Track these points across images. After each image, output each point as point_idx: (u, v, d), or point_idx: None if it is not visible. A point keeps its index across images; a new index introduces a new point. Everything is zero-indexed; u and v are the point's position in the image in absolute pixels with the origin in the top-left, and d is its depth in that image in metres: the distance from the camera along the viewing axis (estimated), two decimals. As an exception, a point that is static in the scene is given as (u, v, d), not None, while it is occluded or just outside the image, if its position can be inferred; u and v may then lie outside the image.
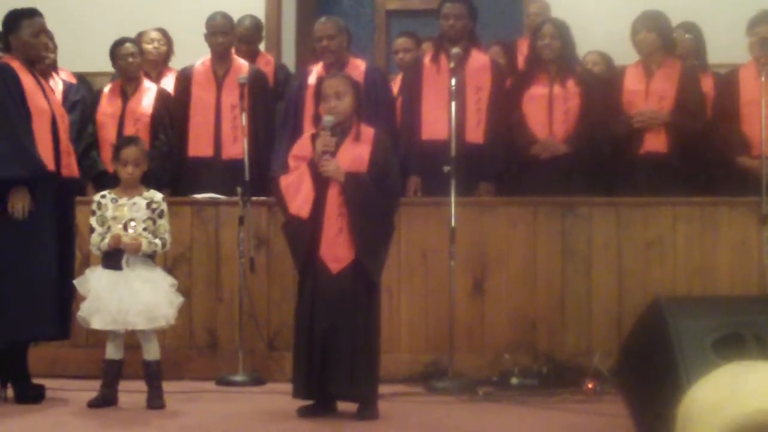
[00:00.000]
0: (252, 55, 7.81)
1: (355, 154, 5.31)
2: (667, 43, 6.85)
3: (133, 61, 7.33)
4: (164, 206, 5.67)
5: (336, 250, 5.24)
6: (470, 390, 6.00)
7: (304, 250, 5.30)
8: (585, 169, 6.73)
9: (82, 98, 7.50)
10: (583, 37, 7.13)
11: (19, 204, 5.57)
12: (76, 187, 6.17)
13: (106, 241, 5.50)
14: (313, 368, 5.22)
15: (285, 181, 5.35)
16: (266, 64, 7.86)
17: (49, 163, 5.73)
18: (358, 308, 5.24)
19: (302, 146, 5.43)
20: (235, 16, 7.60)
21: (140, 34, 7.81)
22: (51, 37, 7.48)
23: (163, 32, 7.94)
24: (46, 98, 5.84)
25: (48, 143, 5.75)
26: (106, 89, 7.46)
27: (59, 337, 5.85)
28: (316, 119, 5.47)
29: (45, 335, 5.83)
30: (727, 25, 7.43)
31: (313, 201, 5.24)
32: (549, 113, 6.78)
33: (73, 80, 7.77)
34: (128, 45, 7.35)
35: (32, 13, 5.89)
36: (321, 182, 5.25)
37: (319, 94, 5.44)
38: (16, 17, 5.86)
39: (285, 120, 7.04)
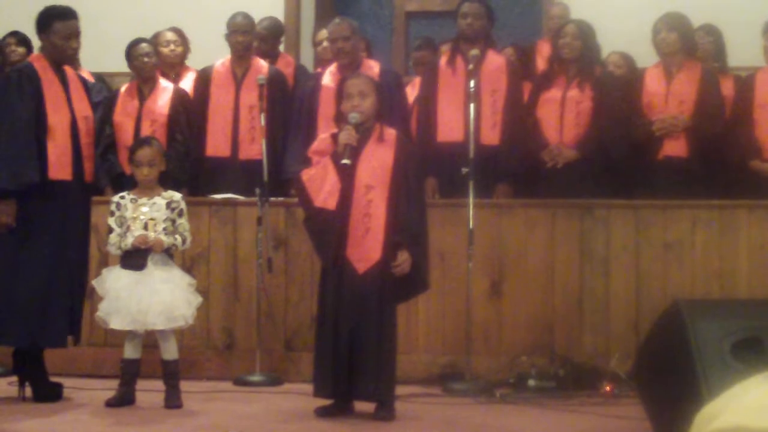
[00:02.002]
0: (272, 56, 7.82)
1: (378, 160, 5.30)
2: (687, 44, 6.83)
3: (148, 61, 7.33)
4: (183, 205, 5.68)
5: (363, 250, 5.23)
6: (487, 392, 5.99)
7: (333, 244, 5.27)
8: (596, 174, 6.69)
9: (104, 99, 7.51)
10: (603, 39, 7.12)
11: (2, 217, 5.54)
12: (92, 193, 6.09)
13: (129, 241, 5.50)
14: (339, 368, 5.21)
15: (307, 175, 5.33)
16: (287, 65, 7.87)
17: (65, 169, 5.68)
18: (383, 308, 5.24)
19: (323, 142, 5.43)
20: (255, 17, 7.62)
21: (155, 36, 7.81)
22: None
23: (178, 32, 7.94)
24: (69, 102, 5.78)
25: (66, 149, 5.71)
26: (123, 90, 7.47)
27: (56, 345, 5.77)
28: (338, 119, 5.46)
29: (43, 344, 5.74)
30: (747, 28, 7.40)
31: (339, 196, 5.24)
32: (561, 117, 6.77)
33: (92, 80, 7.77)
34: (143, 45, 7.35)
35: (66, 15, 5.74)
36: (345, 179, 5.25)
37: (341, 95, 5.44)
38: (50, 17, 5.74)
39: (297, 121, 7.04)
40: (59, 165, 5.67)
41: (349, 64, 6.85)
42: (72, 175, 5.73)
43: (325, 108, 6.72)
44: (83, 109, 5.89)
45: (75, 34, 5.81)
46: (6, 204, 5.55)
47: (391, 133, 5.42)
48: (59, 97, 5.75)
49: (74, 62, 7.49)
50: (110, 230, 5.60)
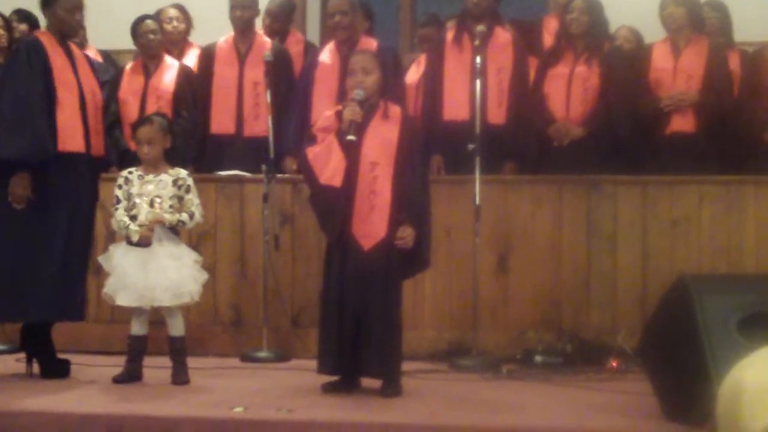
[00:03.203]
0: (282, 34, 7.80)
1: (383, 137, 5.28)
2: (695, 19, 6.80)
3: (153, 38, 7.31)
4: (190, 181, 5.66)
5: (368, 227, 5.22)
6: (494, 367, 6.00)
7: (338, 221, 5.25)
8: (603, 150, 6.67)
9: (111, 78, 7.49)
10: (610, 15, 7.08)
11: (18, 192, 5.55)
12: (102, 166, 6.11)
13: (135, 238, 5.48)
14: (344, 345, 5.22)
15: (312, 153, 5.31)
16: (296, 42, 7.85)
17: (76, 141, 5.70)
18: (388, 285, 5.24)
19: (328, 119, 5.39)
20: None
21: (158, 13, 7.79)
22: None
23: (181, 8, 7.91)
24: (76, 75, 5.80)
25: (76, 122, 5.72)
26: (128, 67, 7.46)
27: (61, 319, 5.80)
28: (341, 96, 5.45)
29: (45, 317, 5.75)
30: (753, 3, 7.37)
31: (345, 173, 5.23)
32: (568, 93, 6.75)
33: (100, 58, 7.77)
34: (148, 22, 7.34)
35: None
36: (350, 156, 5.23)
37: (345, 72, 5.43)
38: None
39: (295, 97, 7.02)
40: (70, 137, 5.69)
41: (347, 39, 6.81)
42: (84, 147, 5.75)
43: (321, 84, 6.71)
44: (90, 83, 5.91)
45: (78, 7, 5.87)
46: (21, 177, 5.55)
47: (396, 109, 5.40)
48: (66, 70, 5.77)
49: (81, 39, 7.51)
50: (117, 201, 5.59)
